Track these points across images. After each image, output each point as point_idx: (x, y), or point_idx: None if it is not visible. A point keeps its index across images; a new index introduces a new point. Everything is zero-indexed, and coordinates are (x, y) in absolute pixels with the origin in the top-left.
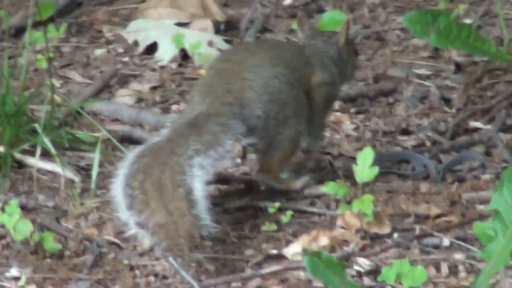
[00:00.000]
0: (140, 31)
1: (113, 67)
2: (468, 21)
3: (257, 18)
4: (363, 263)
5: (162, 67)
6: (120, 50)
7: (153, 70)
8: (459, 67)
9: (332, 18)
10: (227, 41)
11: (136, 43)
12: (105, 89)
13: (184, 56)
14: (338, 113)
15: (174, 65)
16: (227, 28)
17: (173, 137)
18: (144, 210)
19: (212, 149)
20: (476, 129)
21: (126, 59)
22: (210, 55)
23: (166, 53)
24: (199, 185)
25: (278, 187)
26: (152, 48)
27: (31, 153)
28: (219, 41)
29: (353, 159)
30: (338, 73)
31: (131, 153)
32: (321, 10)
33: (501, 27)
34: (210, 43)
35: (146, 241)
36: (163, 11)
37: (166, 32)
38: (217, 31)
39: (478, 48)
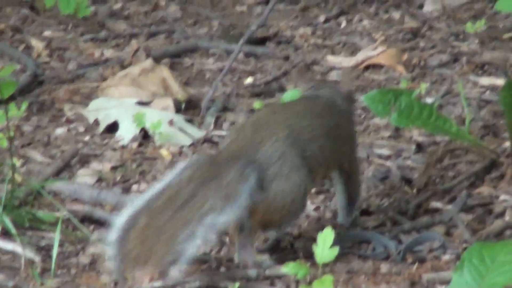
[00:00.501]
0: (101, 110)
1: (73, 147)
2: (429, 100)
3: (218, 97)
4: None
5: (123, 147)
6: (81, 129)
7: (114, 149)
8: (420, 147)
9: (293, 97)
10: (188, 120)
11: (97, 122)
12: (65, 169)
13: (144, 136)
14: None
15: (134, 145)
16: (188, 107)
17: (193, 177)
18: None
19: (228, 204)
20: (437, 210)
21: (87, 138)
22: (171, 135)
23: (127, 133)
24: (195, 241)
25: (247, 249)
26: (113, 127)
27: None
28: (180, 120)
29: (313, 239)
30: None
31: (149, 191)
32: (282, 89)
33: (463, 107)
34: (171, 123)
35: None
36: (124, 90)
37: (127, 111)
38: (178, 110)
39: (439, 128)
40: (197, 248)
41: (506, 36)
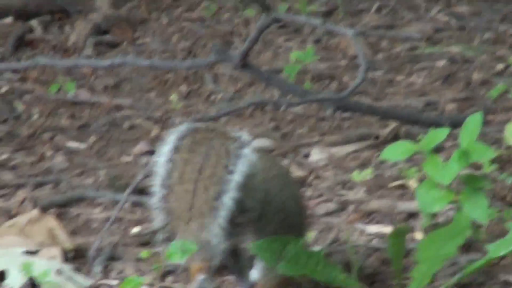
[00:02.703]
0: None
1: None
2: (317, 248)
3: (105, 247)
4: None
5: None
6: None
7: None
8: None
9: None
10: (76, 269)
11: None
12: None
13: (33, 285)
14: None
15: None
16: (75, 256)
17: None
18: (174, 189)
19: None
20: None
21: None
22: (59, 284)
23: (14, 282)
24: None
25: None
26: (0, 277)
27: None
28: (67, 269)
29: None
30: None
31: (182, 127)
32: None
33: (350, 254)
34: (59, 272)
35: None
36: (11, 240)
37: (15, 261)
38: (66, 259)
39: (327, 276)
40: (232, 202)
41: (392, 184)
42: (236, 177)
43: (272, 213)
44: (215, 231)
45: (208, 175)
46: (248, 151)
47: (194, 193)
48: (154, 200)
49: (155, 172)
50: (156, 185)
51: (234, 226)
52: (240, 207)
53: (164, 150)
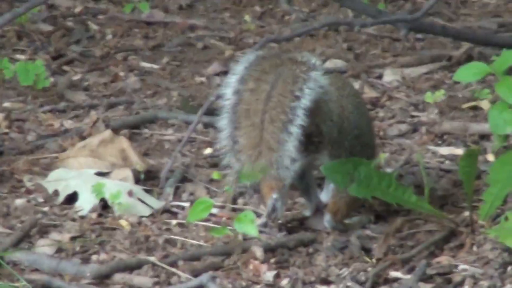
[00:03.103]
0: (60, 180)
1: (33, 217)
2: (389, 170)
3: (177, 168)
4: None
5: (82, 217)
6: (40, 200)
7: (73, 220)
8: (379, 217)
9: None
10: (147, 191)
11: (56, 193)
12: (25, 239)
13: (104, 206)
14: (256, 263)
15: (94, 215)
16: (147, 178)
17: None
18: (241, 124)
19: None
20: (396, 279)
21: (46, 209)
22: (130, 205)
23: (86, 203)
24: (301, 113)
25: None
26: (72, 198)
27: None
28: (139, 190)
29: None
30: None
31: (249, 55)
32: None
33: (422, 176)
34: (130, 193)
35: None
36: (83, 161)
37: (86, 182)
38: (137, 180)
39: (398, 198)
40: (300, 130)
41: (465, 105)
42: (304, 103)
43: (348, 128)
44: (287, 155)
45: (275, 105)
46: (317, 74)
47: (261, 126)
48: (222, 138)
49: (221, 105)
50: (223, 120)
51: (308, 147)
52: (316, 131)
53: (230, 81)
